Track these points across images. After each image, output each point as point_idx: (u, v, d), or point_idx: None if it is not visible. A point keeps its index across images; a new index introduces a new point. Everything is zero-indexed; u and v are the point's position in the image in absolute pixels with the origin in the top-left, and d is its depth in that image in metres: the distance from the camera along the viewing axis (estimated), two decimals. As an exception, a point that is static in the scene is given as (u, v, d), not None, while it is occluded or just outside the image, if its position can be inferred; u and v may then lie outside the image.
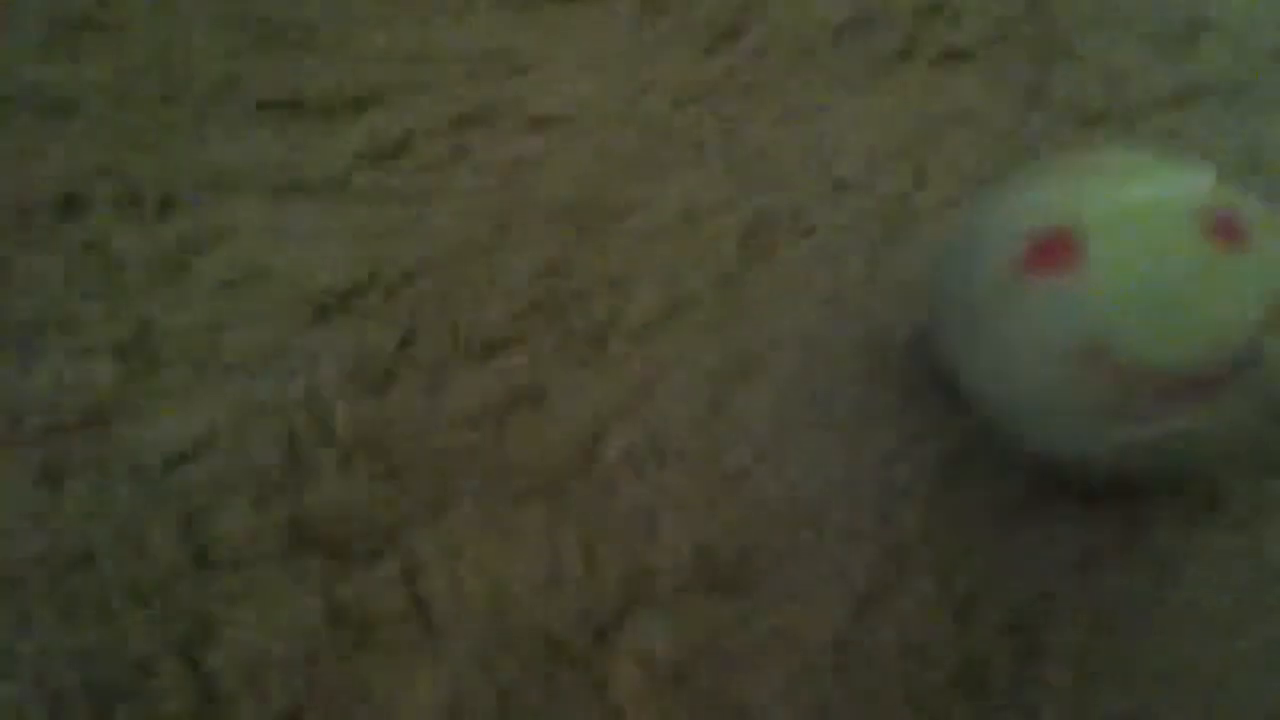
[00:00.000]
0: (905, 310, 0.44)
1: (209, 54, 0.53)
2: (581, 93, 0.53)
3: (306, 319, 0.43)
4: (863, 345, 0.43)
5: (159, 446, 0.39)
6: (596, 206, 0.48)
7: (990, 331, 0.36)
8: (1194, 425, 0.34)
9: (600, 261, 0.46)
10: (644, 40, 0.56)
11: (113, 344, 0.42)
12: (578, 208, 0.48)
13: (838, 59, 0.55)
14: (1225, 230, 0.34)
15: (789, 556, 0.37)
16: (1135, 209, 0.35)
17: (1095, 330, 0.34)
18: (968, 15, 0.58)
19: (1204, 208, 0.34)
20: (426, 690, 0.34)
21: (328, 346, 0.42)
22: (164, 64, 0.52)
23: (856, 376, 0.42)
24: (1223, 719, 0.35)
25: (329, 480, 0.38)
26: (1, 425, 0.39)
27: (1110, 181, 0.36)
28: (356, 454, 0.39)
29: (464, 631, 0.35)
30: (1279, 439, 0.40)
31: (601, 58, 0.55)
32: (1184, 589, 0.37)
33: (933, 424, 0.40)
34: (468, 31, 0.55)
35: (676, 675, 0.35)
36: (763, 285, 0.46)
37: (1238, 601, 0.37)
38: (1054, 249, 0.35)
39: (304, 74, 0.52)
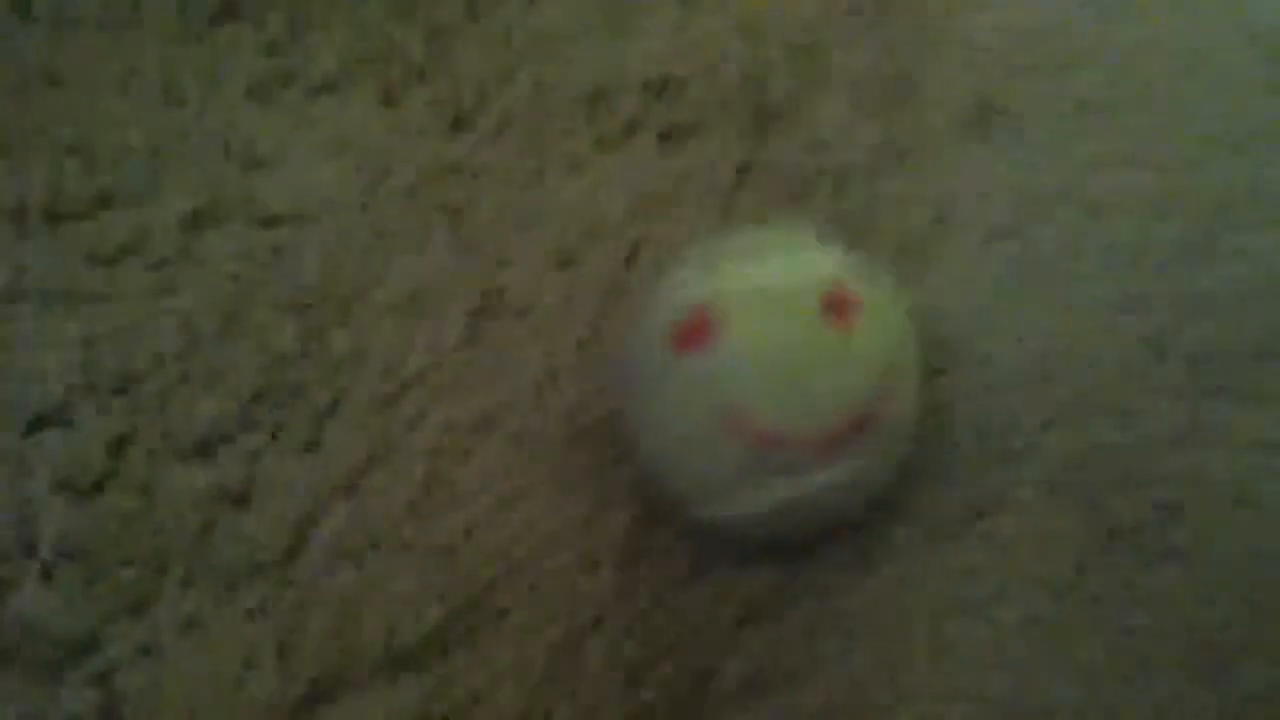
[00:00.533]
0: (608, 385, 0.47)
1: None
2: (317, 184, 0.55)
3: (19, 429, 0.44)
4: (568, 420, 0.46)
5: None
6: (325, 297, 0.50)
7: (651, 405, 0.40)
8: (827, 480, 0.38)
9: (324, 350, 0.48)
10: (386, 127, 0.58)
11: None
12: (305, 300, 0.50)
13: (568, 136, 0.58)
14: (841, 308, 0.38)
15: (483, 627, 0.40)
16: (762, 289, 0.39)
17: (733, 399, 0.38)
18: (693, 87, 0.62)
19: (824, 285, 0.39)
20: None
21: (39, 457, 0.43)
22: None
23: (560, 450, 0.45)
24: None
25: (29, 591, 0.39)
26: None
27: (744, 262, 0.40)
28: (59, 563, 0.40)
29: (160, 730, 0.37)
30: (901, 492, 0.43)
31: (342, 146, 0.57)
32: (838, 636, 0.41)
33: (620, 494, 0.43)
34: (207, 124, 0.57)
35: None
36: (483, 364, 0.48)
37: (893, 639, 0.41)
38: (696, 327, 0.38)
39: (33, 179, 0.53)
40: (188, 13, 0.59)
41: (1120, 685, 0.41)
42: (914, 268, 0.53)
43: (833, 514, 0.40)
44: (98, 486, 0.42)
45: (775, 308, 0.38)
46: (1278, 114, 0.60)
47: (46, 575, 0.39)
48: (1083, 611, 0.43)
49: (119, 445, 0.43)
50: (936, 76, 0.62)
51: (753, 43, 0.62)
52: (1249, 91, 0.61)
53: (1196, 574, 0.43)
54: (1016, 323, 0.51)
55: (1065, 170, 0.58)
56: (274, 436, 0.44)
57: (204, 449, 0.44)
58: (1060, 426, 0.47)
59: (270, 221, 0.52)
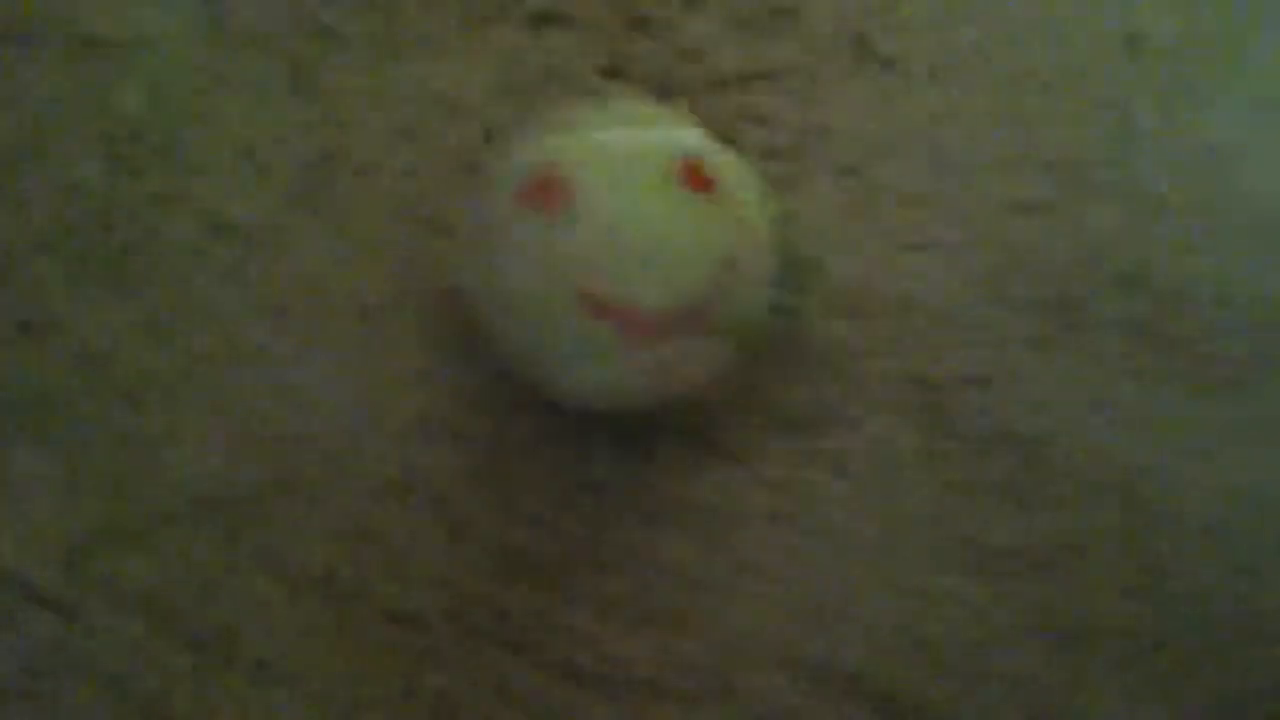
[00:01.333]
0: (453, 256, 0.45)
1: None
2: (148, 17, 0.50)
3: None
4: (405, 286, 0.43)
5: None
6: (143, 132, 0.46)
7: (496, 271, 0.38)
8: (678, 354, 0.37)
9: (135, 188, 0.44)
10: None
11: None
12: (120, 132, 0.45)
13: (430, 16, 0.55)
14: (697, 180, 0.37)
15: (287, 489, 0.37)
16: (617, 154, 0.37)
17: (581, 267, 0.36)
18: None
19: (682, 154, 0.37)
20: None
21: None
22: None
23: (388, 313, 0.42)
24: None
25: None
26: None
27: (600, 128, 0.38)
28: None
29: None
30: (752, 375, 0.43)
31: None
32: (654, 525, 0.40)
33: (453, 360, 0.41)
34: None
35: (149, 603, 0.34)
36: (314, 222, 0.45)
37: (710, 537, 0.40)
38: (544, 189, 0.36)
39: None
40: None
41: (929, 596, 0.42)
42: (771, 184, 0.53)
43: (675, 392, 0.39)
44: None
45: (630, 172, 0.37)
46: (1131, 83, 0.63)
47: None
48: (904, 530, 0.43)
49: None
50: (816, 9, 0.62)
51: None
52: (1109, 60, 0.63)
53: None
54: (859, 254, 0.52)
55: (920, 118, 0.59)
56: (70, 269, 0.40)
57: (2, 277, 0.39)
58: (897, 355, 0.48)
59: (91, 43, 0.47)
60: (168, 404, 0.38)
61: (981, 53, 0.62)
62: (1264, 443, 0.47)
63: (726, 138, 0.53)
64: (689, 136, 0.39)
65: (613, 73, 0.56)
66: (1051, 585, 0.42)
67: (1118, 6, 0.67)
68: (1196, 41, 0.65)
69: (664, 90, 0.56)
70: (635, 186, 0.37)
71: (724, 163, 0.38)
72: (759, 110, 0.57)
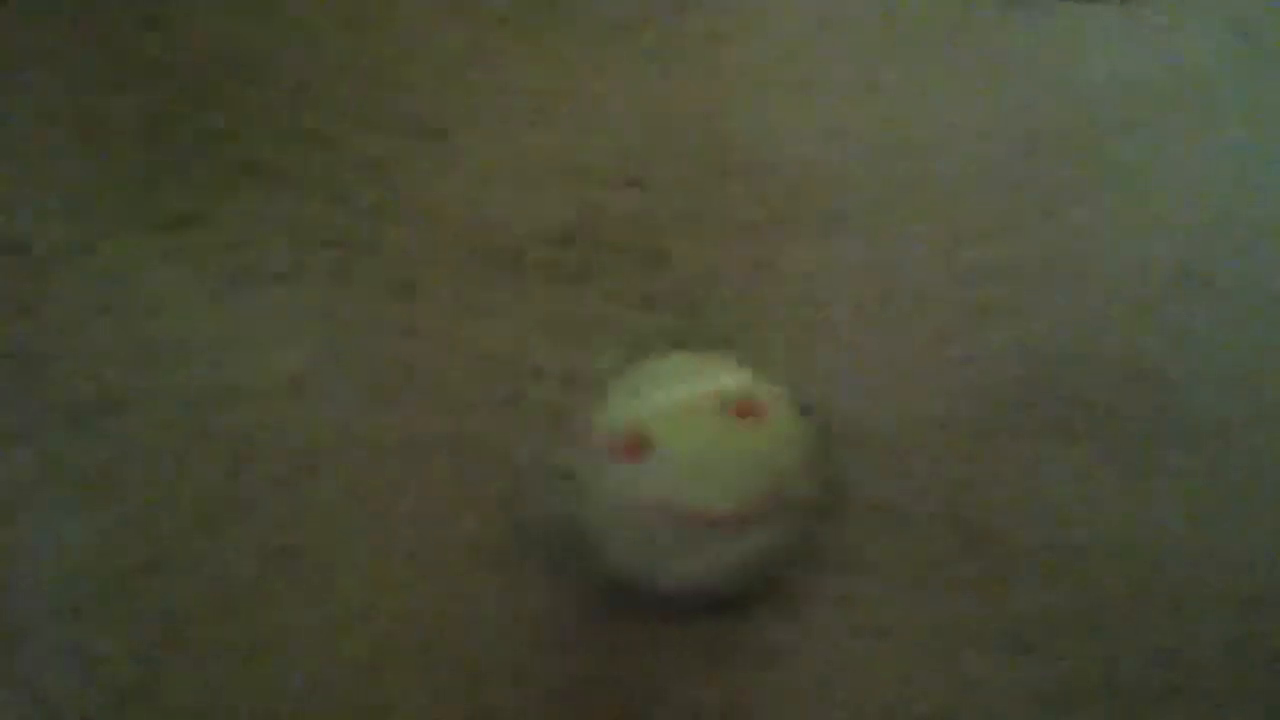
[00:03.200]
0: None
1: None
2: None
3: None
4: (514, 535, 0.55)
5: None
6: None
7: (596, 501, 0.50)
8: (751, 546, 0.49)
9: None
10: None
11: None
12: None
13: (480, 279, 0.68)
14: (746, 411, 0.49)
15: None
16: (682, 407, 0.50)
17: (663, 491, 0.48)
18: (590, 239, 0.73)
19: (732, 395, 0.50)
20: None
21: None
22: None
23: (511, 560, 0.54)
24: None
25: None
26: None
27: (664, 387, 0.51)
28: None
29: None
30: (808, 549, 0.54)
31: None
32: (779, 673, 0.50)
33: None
34: None
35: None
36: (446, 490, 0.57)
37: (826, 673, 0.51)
38: (633, 446, 0.49)
39: None
40: None
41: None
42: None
43: (755, 575, 0.50)
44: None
45: (694, 415, 0.49)
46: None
47: None
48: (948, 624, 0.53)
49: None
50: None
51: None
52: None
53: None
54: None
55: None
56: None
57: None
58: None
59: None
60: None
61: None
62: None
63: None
64: (732, 375, 0.51)
65: (646, 306, 0.68)
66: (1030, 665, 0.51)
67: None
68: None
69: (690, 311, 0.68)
70: (699, 426, 0.49)
71: (766, 392, 0.51)
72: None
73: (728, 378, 0.51)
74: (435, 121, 0.81)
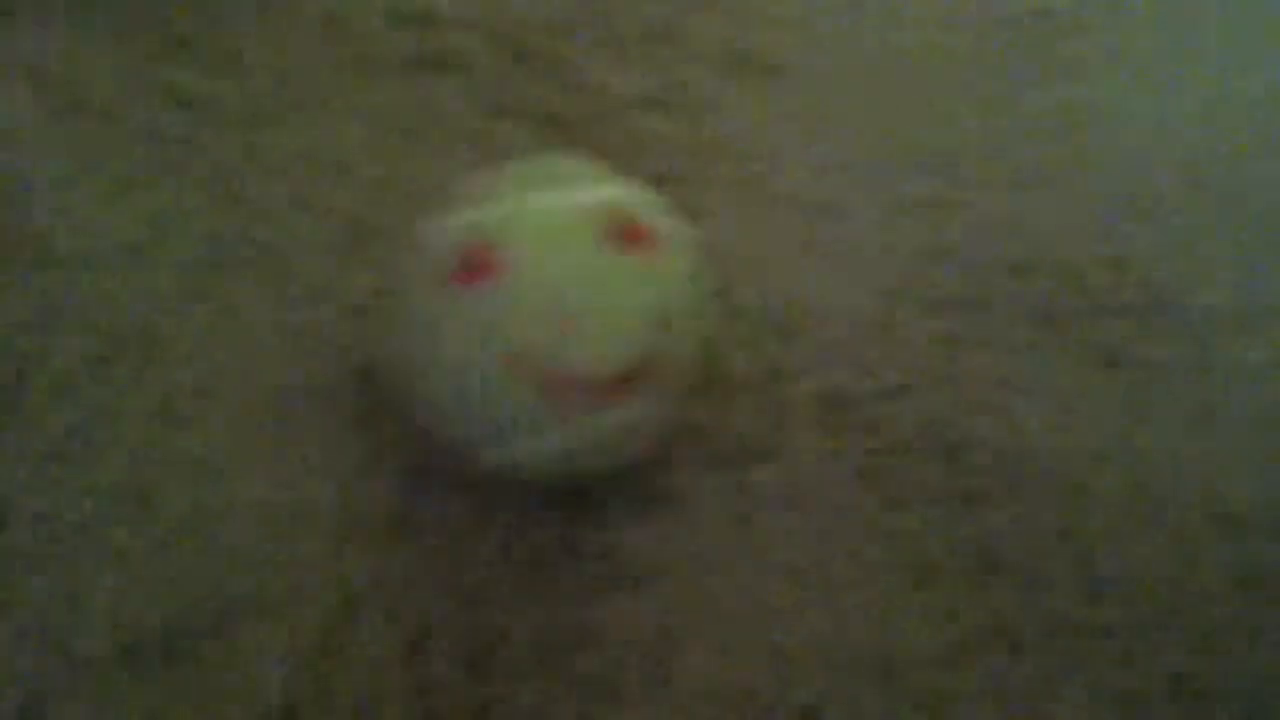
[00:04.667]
0: (362, 333, 0.43)
1: None
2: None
3: None
4: (318, 372, 0.41)
5: None
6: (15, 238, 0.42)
7: (430, 345, 0.36)
8: (619, 420, 0.36)
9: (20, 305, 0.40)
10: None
11: None
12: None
13: (325, 70, 0.53)
14: (627, 235, 0.36)
15: (233, 621, 0.35)
16: (543, 219, 0.36)
17: (518, 339, 0.35)
18: (443, 25, 0.57)
19: (609, 216, 0.36)
20: None
21: None
22: None
23: (312, 405, 0.40)
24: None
25: None
26: None
27: (527, 194, 0.37)
28: None
29: None
30: (690, 427, 0.43)
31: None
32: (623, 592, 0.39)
33: (390, 446, 0.39)
34: None
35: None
36: (208, 316, 0.42)
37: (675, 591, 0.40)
38: (473, 263, 0.35)
39: None
40: None
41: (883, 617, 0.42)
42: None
43: (619, 456, 0.38)
44: None
45: (560, 238, 0.36)
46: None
47: None
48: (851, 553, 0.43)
49: None
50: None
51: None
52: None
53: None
54: (764, 272, 0.52)
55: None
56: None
57: None
58: (816, 374, 0.48)
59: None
60: (85, 546, 0.35)
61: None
62: (1167, 410, 0.50)
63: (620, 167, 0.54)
64: (616, 191, 0.38)
65: (500, 113, 0.54)
66: (1001, 589, 0.43)
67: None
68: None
69: (552, 123, 0.55)
70: (566, 252, 0.36)
71: (654, 213, 0.38)
72: (652, 130, 0.56)
73: (610, 190, 0.37)
74: None
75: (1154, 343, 0.52)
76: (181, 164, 0.46)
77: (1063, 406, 0.50)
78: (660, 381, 0.37)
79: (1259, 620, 0.41)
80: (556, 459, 0.37)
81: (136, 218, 0.44)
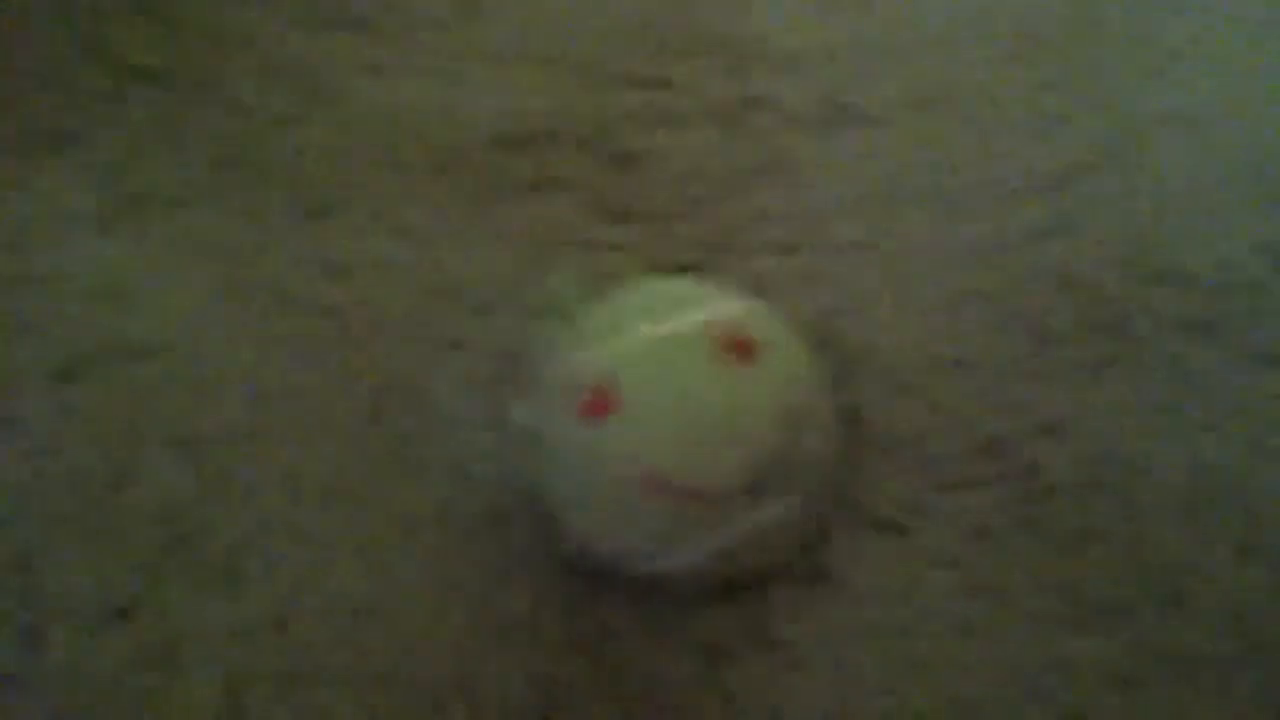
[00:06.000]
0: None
1: None
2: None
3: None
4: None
5: None
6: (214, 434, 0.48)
7: (570, 475, 0.40)
8: (759, 524, 0.38)
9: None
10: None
11: None
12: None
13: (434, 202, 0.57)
14: (737, 348, 0.38)
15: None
16: (655, 348, 0.39)
17: (646, 460, 0.38)
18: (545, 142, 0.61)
19: (715, 328, 0.39)
20: None
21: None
22: None
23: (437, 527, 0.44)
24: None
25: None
26: None
27: (640, 325, 0.40)
28: None
29: None
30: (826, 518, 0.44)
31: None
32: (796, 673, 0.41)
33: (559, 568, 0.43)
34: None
35: None
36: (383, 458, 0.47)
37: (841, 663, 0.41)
38: (595, 400, 0.38)
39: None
40: None
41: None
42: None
43: (766, 557, 0.40)
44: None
45: (673, 363, 0.38)
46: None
47: None
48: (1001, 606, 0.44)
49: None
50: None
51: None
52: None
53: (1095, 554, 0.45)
54: (893, 325, 0.53)
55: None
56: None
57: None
58: (963, 423, 0.49)
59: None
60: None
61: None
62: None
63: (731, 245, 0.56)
64: (722, 305, 0.40)
65: (617, 218, 0.57)
66: (1168, 623, 0.42)
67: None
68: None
69: (663, 219, 0.57)
70: (680, 375, 0.38)
71: (761, 322, 0.40)
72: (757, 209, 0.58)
73: (714, 307, 0.40)
74: (356, 8, 0.68)
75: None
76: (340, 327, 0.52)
77: (1224, 422, 0.48)
78: (796, 473, 0.39)
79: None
80: (704, 568, 0.39)
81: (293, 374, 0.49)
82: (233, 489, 0.46)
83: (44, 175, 0.58)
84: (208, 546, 0.44)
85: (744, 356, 0.38)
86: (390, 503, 0.45)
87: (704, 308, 0.40)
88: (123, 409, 0.48)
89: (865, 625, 0.43)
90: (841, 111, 0.63)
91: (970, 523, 0.45)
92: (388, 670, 0.41)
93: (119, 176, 0.58)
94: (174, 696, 0.40)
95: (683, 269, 0.51)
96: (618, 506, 0.38)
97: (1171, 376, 0.51)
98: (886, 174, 0.60)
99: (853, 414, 0.47)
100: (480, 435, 0.47)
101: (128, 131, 0.60)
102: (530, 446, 0.41)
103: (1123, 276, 0.55)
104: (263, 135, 0.60)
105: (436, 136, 0.61)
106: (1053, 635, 0.42)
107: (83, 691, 0.40)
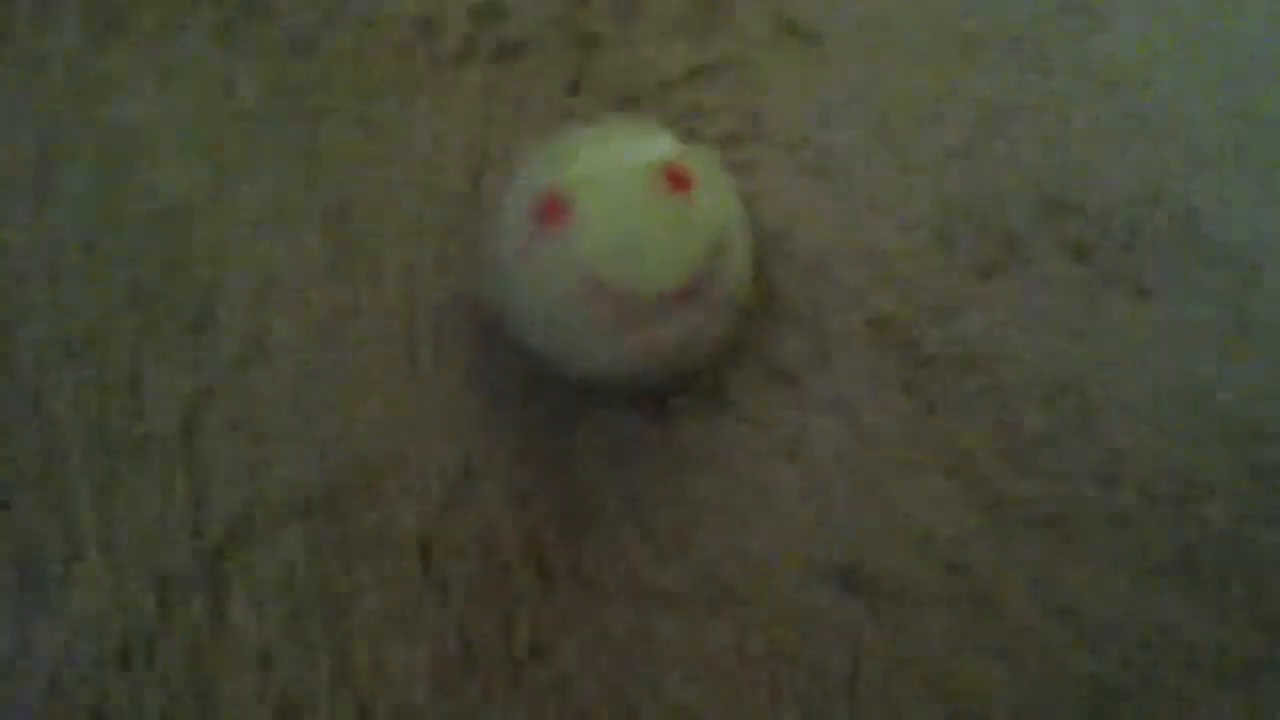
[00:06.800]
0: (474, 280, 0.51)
1: None
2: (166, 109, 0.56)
3: None
4: (440, 309, 0.50)
5: None
6: (185, 210, 0.52)
7: (517, 281, 0.45)
8: (678, 332, 0.44)
9: (188, 260, 0.50)
10: (226, 53, 0.60)
11: None
12: (164, 215, 0.51)
13: (403, 64, 0.61)
14: (675, 180, 0.44)
15: (379, 479, 0.44)
16: (606, 170, 0.44)
17: (590, 267, 0.43)
18: (518, 15, 0.66)
19: (661, 161, 0.44)
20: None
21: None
22: None
23: (432, 336, 0.49)
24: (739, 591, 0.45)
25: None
26: None
27: (588, 150, 0.45)
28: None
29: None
30: (744, 335, 0.50)
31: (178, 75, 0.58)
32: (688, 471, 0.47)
33: (496, 363, 0.48)
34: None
35: (280, 587, 0.41)
36: (353, 273, 0.52)
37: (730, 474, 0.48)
38: (552, 209, 0.43)
39: None
40: None
41: (914, 499, 0.49)
42: (732, 168, 0.59)
43: (684, 363, 0.46)
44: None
45: (619, 184, 0.44)
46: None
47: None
48: (892, 449, 0.50)
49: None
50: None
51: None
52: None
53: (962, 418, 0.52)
54: (818, 218, 0.59)
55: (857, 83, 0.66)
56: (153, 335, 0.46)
57: (87, 346, 0.45)
58: (867, 302, 0.55)
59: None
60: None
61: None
62: (1189, 341, 0.55)
63: (687, 132, 0.61)
64: (663, 144, 0.46)
65: (574, 89, 0.62)
66: (1023, 478, 0.49)
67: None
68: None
69: (621, 102, 0.62)
70: (624, 197, 0.44)
71: (698, 160, 0.45)
72: (710, 102, 0.63)
73: (659, 143, 0.45)
74: None
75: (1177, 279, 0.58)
76: (309, 148, 0.56)
77: (1088, 332, 0.56)
78: (713, 296, 0.45)
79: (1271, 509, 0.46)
80: (631, 366, 0.45)
81: (264, 198, 0.53)
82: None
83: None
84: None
85: (681, 187, 0.44)
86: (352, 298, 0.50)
87: (653, 143, 0.45)
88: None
89: (754, 449, 0.49)
90: (794, 28, 0.68)
91: (855, 379, 0.52)
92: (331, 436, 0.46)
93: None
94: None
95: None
96: (560, 310, 0.44)
97: (1049, 289, 0.58)
98: (825, 86, 0.66)
99: (763, 286, 0.53)
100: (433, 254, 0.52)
101: None
102: (490, 262, 0.46)
103: (1021, 199, 0.62)
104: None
105: (419, 7, 0.65)
106: (924, 478, 0.49)
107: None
